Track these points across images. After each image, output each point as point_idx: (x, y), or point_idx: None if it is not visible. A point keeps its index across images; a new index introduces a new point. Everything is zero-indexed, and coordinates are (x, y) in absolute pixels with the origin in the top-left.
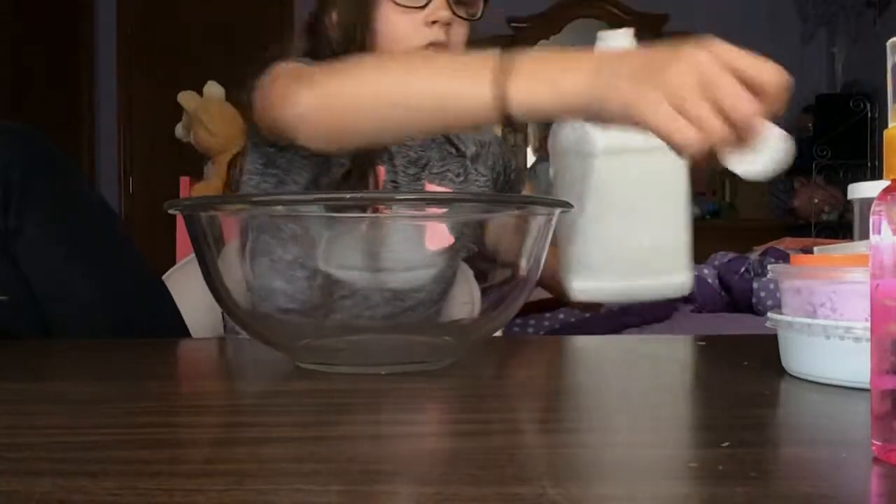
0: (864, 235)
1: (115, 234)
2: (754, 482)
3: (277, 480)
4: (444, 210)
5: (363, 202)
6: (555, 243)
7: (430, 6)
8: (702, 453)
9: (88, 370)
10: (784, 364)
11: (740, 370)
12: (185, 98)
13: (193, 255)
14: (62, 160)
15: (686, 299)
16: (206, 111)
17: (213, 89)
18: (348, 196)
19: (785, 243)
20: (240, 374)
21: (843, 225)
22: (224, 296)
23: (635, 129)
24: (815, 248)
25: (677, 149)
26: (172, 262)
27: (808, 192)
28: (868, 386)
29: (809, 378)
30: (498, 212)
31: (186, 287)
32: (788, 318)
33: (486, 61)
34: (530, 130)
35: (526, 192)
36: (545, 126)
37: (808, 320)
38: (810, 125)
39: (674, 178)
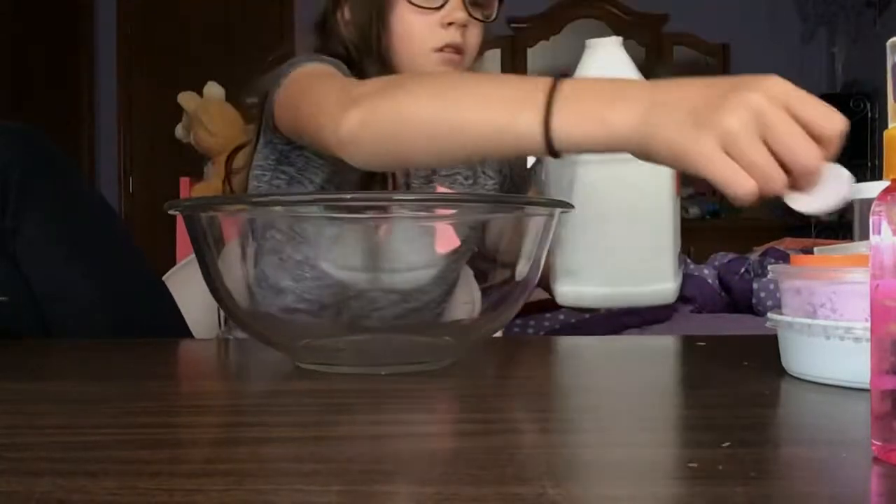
0: (864, 236)
1: (115, 234)
2: (754, 482)
3: (277, 480)
4: (452, 212)
5: (363, 202)
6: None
7: (447, 7)
8: (702, 453)
9: (88, 370)
10: (784, 364)
11: (740, 370)
12: (185, 98)
13: (193, 255)
14: (62, 160)
15: (686, 300)
16: (206, 112)
17: (213, 90)
18: (348, 196)
19: (785, 243)
20: (240, 374)
21: (843, 225)
22: (224, 296)
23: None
24: (816, 249)
25: (733, 198)
26: (172, 262)
27: None
28: (868, 386)
29: (809, 378)
30: (500, 213)
31: (186, 287)
32: (788, 319)
33: (535, 93)
34: None
35: (531, 194)
36: None
37: (808, 321)
38: None
39: (659, 186)
